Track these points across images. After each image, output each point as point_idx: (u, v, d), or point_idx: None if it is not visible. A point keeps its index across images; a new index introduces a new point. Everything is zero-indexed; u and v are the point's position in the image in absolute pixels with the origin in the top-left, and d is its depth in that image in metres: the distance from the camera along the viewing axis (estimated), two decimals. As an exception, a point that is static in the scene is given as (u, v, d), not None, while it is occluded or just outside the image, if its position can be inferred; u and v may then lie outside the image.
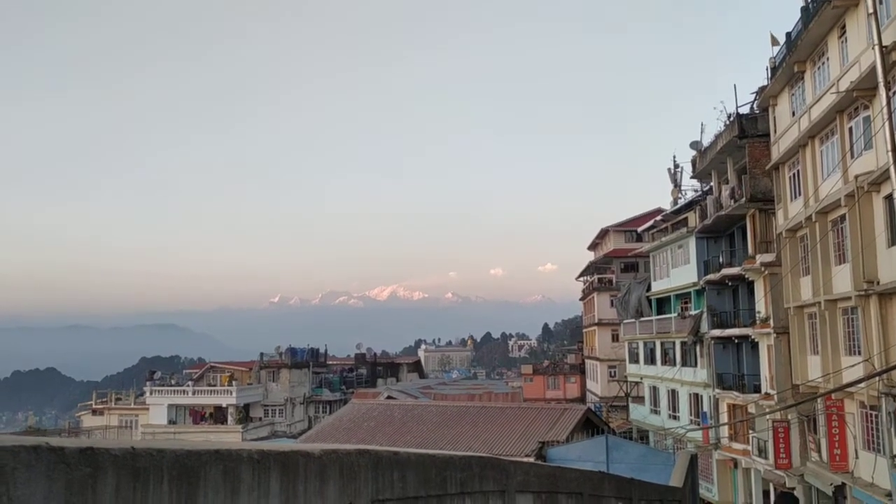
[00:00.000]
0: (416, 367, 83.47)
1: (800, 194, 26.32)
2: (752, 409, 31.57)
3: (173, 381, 62.74)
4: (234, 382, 59.34)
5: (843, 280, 22.49)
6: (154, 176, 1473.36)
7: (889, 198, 19.58)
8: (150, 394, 59.03)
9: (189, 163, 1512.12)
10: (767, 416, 28.65)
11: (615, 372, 55.68)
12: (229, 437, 53.56)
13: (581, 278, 72.36)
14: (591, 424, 30.96)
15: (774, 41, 29.15)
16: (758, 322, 30.68)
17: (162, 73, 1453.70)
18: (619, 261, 59.39)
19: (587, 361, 66.10)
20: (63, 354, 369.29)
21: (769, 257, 29.18)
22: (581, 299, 71.62)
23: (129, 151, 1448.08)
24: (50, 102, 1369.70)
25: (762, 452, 29.77)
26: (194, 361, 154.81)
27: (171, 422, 58.01)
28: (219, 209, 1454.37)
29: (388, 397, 44.22)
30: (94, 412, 61.92)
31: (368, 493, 2.93)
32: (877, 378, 18.61)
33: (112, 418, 60.19)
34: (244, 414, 58.72)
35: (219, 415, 58.43)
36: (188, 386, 60.01)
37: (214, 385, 60.84)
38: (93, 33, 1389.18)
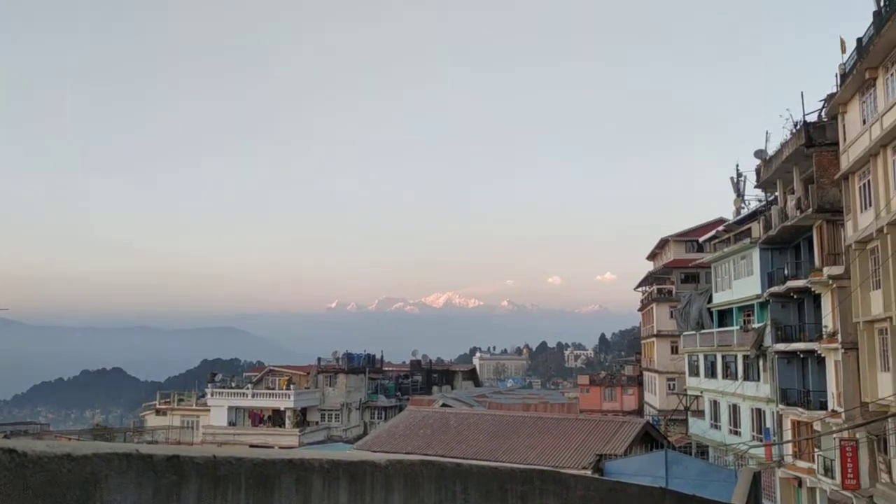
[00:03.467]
0: (471, 374, 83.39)
1: (870, 205, 25.45)
2: (817, 426, 30.58)
3: (233, 384, 64.03)
4: (292, 386, 60.28)
5: (916, 295, 21.67)
6: (217, 180, 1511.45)
7: (967, 210, 18.78)
8: (212, 395, 60.35)
9: (251, 167, 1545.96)
10: (834, 435, 27.72)
11: (674, 385, 54.63)
12: (287, 440, 54.42)
13: (639, 289, 71.32)
14: (649, 438, 30.45)
15: (844, 47, 28.35)
16: (825, 336, 29.75)
17: (234, 78, 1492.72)
18: (678, 271, 58.31)
19: (645, 373, 65.03)
20: (129, 355, 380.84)
21: (837, 270, 28.29)
22: (639, 310, 70.55)
23: (197, 156, 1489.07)
24: (120, 98, 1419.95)
25: (828, 472, 28.80)
26: (253, 364, 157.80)
27: (231, 423, 59.21)
28: (280, 214, 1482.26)
29: (443, 405, 44.30)
30: (158, 412, 63.70)
31: (433, 502, 2.96)
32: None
33: (175, 419, 61.80)
34: (301, 417, 59.57)
35: (277, 418, 59.40)
36: (248, 388, 61.19)
37: (273, 388, 61.92)
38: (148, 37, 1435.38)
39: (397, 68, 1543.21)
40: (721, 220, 51.60)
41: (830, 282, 28.77)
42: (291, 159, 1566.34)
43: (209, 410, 60.11)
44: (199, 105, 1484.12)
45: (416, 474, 2.79)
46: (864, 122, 26.21)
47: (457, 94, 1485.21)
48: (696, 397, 47.14)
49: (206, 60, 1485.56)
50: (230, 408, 59.51)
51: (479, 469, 3.47)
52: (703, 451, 43.72)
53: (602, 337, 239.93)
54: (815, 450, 30.47)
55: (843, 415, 27.21)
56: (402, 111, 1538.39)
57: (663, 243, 61.64)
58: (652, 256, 67.12)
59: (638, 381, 67.36)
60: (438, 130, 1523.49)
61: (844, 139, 28.28)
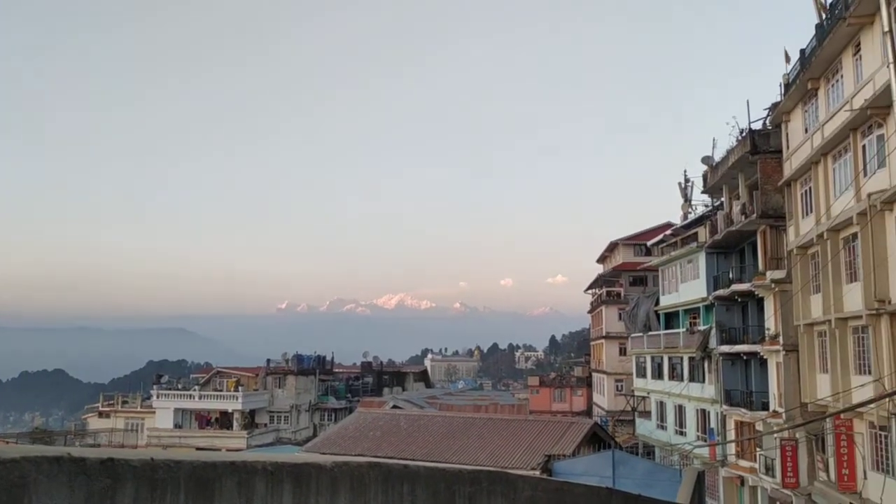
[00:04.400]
0: (423, 376, 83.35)
1: (811, 211, 26.22)
2: (759, 426, 31.35)
3: (180, 386, 62.93)
4: (240, 388, 59.45)
5: (853, 299, 22.37)
6: (164, 180, 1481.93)
7: (902, 217, 19.47)
8: (157, 397, 59.18)
9: (200, 167, 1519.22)
10: (775, 435, 28.45)
11: (622, 386, 55.46)
12: (234, 442, 53.56)
13: (589, 291, 72.20)
14: (597, 439, 30.84)
15: (788, 58, 29.17)
16: (767, 339, 30.52)
17: (174, 81, 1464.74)
18: (627, 274, 59.24)
19: (594, 374, 65.89)
20: (71, 356, 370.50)
21: (780, 274, 29.05)
22: (589, 312, 71.45)
23: (140, 155, 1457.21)
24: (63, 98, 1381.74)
25: (769, 471, 29.55)
26: (201, 366, 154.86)
27: (177, 426, 58.10)
28: (229, 214, 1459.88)
29: (394, 406, 44.19)
30: (101, 414, 62.16)
31: (378, 506, 2.93)
32: (887, 399, 18.46)
33: (118, 421, 60.35)
34: (249, 420, 58.77)
35: (224, 420, 58.47)
36: (194, 390, 60.16)
37: (221, 390, 60.96)
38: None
39: (330, 67, 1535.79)
40: (669, 225, 52.56)
41: (773, 286, 29.52)
42: (241, 159, 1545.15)
43: (154, 413, 58.87)
44: (147, 102, 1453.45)
45: (362, 476, 2.76)
46: (807, 130, 26.98)
47: (410, 91, 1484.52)
48: (644, 398, 47.91)
49: (158, 62, 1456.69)
50: (176, 410, 58.40)
51: (426, 471, 3.46)
52: (649, 451, 44.43)
53: (552, 339, 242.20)
54: (757, 449, 31.23)
55: (783, 415, 27.94)
56: (358, 109, 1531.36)
57: (613, 247, 62.53)
58: (602, 259, 68.02)
59: (587, 383, 68.20)
60: (391, 131, 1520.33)
61: (787, 147, 29.07)
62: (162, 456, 1.64)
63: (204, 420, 59.02)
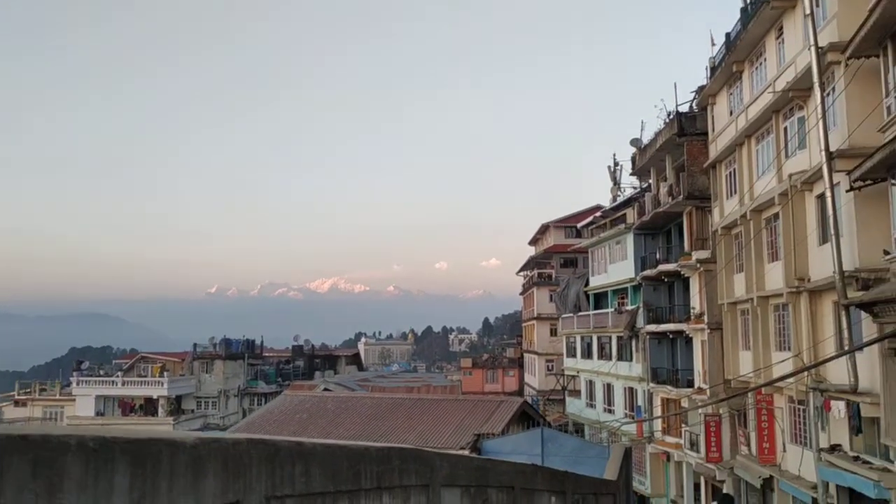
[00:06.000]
0: (355, 359, 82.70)
1: (735, 192, 26.74)
2: (684, 403, 32.06)
3: (102, 372, 60.88)
4: (165, 373, 57.84)
5: (775, 277, 22.93)
6: (85, 159, 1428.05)
7: (821, 197, 19.95)
8: (77, 384, 57.04)
9: (123, 149, 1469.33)
10: (700, 411, 29.11)
11: (553, 366, 56.08)
12: (159, 429, 51.98)
13: (521, 273, 72.71)
14: (527, 417, 30.99)
15: (713, 41, 29.62)
16: (692, 318, 31.14)
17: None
18: (558, 256, 59.80)
19: (526, 355, 66.48)
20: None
21: (704, 254, 29.59)
22: (521, 294, 71.99)
23: (65, 132, 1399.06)
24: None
25: (694, 446, 30.25)
26: (127, 352, 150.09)
27: (99, 413, 56.19)
28: (160, 198, 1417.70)
29: (325, 389, 43.56)
30: (17, 403, 59.52)
31: (262, 489, 2.55)
32: (805, 373, 18.98)
33: (36, 410, 57.91)
34: (176, 406, 57.24)
35: (149, 407, 56.81)
36: (117, 377, 58.19)
37: (145, 376, 59.21)
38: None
39: (286, 55, 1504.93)
40: (598, 207, 53.24)
41: (698, 265, 30.09)
42: (168, 140, 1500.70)
43: (74, 400, 56.72)
44: (69, 81, 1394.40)
45: (240, 455, 2.38)
46: (731, 112, 27.47)
47: (345, 66, 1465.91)
48: (573, 377, 48.53)
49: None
50: (98, 397, 56.45)
51: (324, 448, 3.09)
52: (578, 429, 45.10)
53: (486, 321, 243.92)
54: (683, 426, 31.95)
55: (708, 391, 28.59)
56: (291, 86, 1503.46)
57: (544, 229, 63.01)
58: (534, 242, 68.52)
59: (519, 363, 68.78)
60: (325, 116, 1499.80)
61: (713, 129, 29.57)
62: None
63: (128, 407, 57.22)
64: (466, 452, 21.10)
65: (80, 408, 56.09)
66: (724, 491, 27.80)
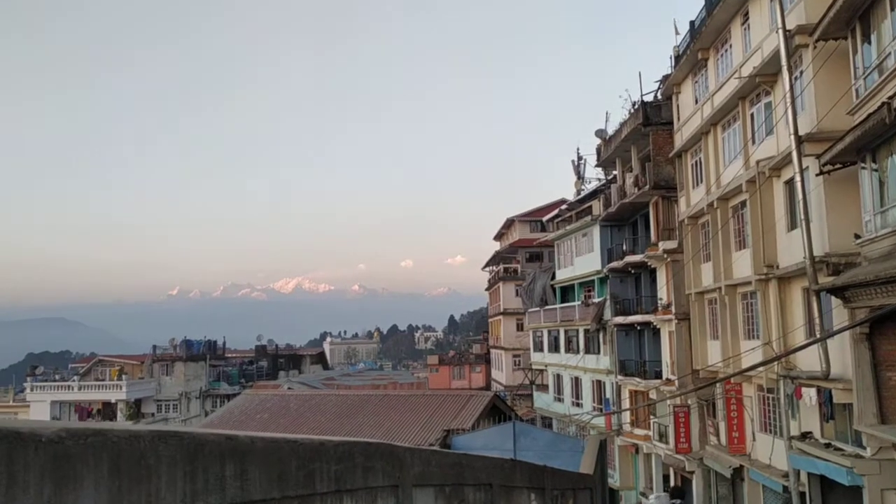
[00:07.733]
0: (320, 358, 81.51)
1: (702, 181, 26.51)
2: (653, 394, 31.84)
3: (57, 377, 59.02)
4: (124, 377, 56.29)
5: (743, 265, 22.72)
6: (38, 159, 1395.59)
7: (789, 182, 19.74)
8: (31, 390, 55.28)
9: (79, 149, 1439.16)
10: (668, 402, 28.89)
11: (520, 361, 55.74)
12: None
13: (487, 268, 72.29)
14: (497, 411, 30.48)
15: (677, 29, 29.42)
16: (660, 309, 30.92)
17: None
18: (524, 250, 59.44)
19: (492, 351, 66.09)
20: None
21: (671, 244, 29.38)
22: (487, 289, 71.57)
23: (9, 131, 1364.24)
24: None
25: (663, 437, 30.05)
26: (86, 356, 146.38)
27: (55, 419, 54.29)
28: (120, 201, 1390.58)
29: (289, 389, 42.60)
30: (-32, 411, 57.44)
31: (177, 497, 1.93)
32: (775, 362, 18.75)
33: (-12, 417, 55.96)
34: (135, 409, 55.72)
35: (107, 411, 55.22)
36: (73, 381, 56.46)
37: (103, 379, 57.54)
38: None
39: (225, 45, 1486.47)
40: (563, 201, 52.97)
41: (665, 256, 29.86)
42: (126, 139, 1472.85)
43: (28, 406, 54.91)
44: (18, 77, 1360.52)
45: (141, 454, 1.75)
46: (697, 101, 27.24)
47: (309, 65, 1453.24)
48: (541, 372, 48.21)
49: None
50: (53, 402, 54.74)
51: (265, 444, 2.46)
52: (547, 423, 44.77)
53: (451, 318, 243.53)
54: (651, 417, 31.74)
55: (676, 382, 28.37)
56: (252, 85, 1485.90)
57: (509, 223, 62.64)
58: (499, 237, 68.14)
59: (486, 359, 68.38)
60: (288, 115, 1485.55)
61: (678, 118, 29.34)
62: None
63: (85, 412, 55.52)
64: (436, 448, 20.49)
65: (34, 414, 54.34)
66: (684, 482, 27.62)
